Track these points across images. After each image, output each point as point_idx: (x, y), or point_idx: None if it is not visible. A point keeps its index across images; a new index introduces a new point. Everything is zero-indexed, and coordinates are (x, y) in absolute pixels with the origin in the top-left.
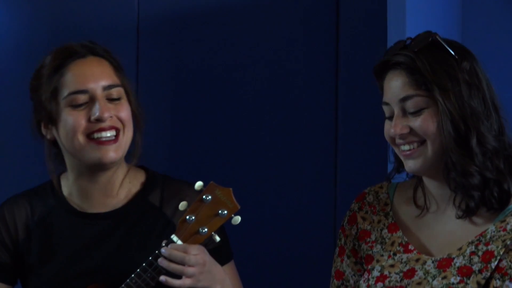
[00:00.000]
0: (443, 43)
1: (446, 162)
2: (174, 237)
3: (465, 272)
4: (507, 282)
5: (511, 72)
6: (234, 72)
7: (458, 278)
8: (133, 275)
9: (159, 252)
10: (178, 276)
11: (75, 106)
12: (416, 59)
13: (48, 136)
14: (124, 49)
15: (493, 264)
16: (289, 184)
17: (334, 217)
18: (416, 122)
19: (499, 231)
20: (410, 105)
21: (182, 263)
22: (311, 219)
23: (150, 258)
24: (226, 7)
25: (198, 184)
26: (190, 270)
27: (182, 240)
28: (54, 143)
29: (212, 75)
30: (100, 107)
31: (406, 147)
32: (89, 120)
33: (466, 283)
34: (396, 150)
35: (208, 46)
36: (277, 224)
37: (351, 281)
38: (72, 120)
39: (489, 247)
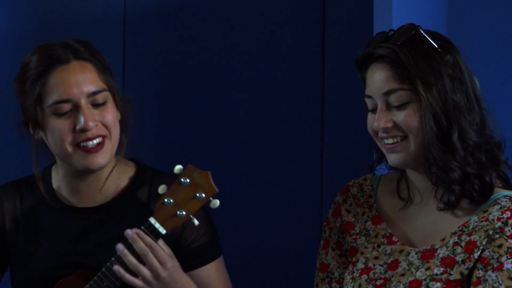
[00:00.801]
0: (427, 36)
1: (427, 157)
2: (152, 220)
3: (449, 263)
4: (489, 272)
5: (496, 65)
6: (220, 64)
7: (442, 269)
8: (113, 258)
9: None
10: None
11: (60, 114)
12: (400, 52)
13: (36, 137)
14: (111, 40)
15: (476, 255)
16: (276, 177)
17: (320, 209)
18: (400, 117)
19: (482, 221)
20: (393, 98)
21: (143, 255)
22: (297, 211)
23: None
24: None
25: (178, 167)
26: (145, 272)
27: (160, 223)
28: (43, 141)
29: (198, 66)
30: (84, 117)
31: (390, 141)
32: (74, 129)
33: (450, 274)
34: (379, 143)
35: (194, 37)
36: (263, 217)
37: (336, 274)
38: (58, 130)
39: (472, 237)
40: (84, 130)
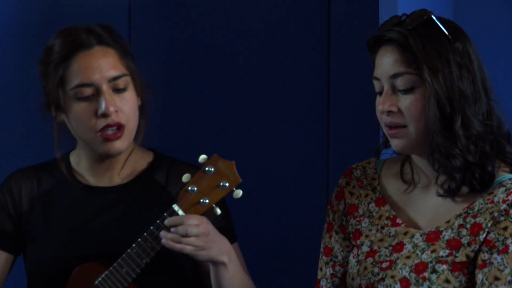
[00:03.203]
0: (438, 22)
1: (430, 143)
2: (175, 207)
3: (454, 245)
4: (495, 255)
5: (501, 53)
6: (226, 56)
7: (447, 251)
8: (134, 245)
9: (161, 223)
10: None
11: (81, 98)
12: (409, 37)
13: (58, 119)
14: (116, 28)
15: (482, 237)
16: (282, 162)
17: (326, 193)
18: (405, 102)
19: (487, 203)
20: (399, 82)
21: (184, 234)
22: (303, 195)
23: (151, 227)
24: None
25: (202, 157)
26: (189, 240)
27: (183, 210)
28: (64, 124)
29: (204, 58)
30: (105, 102)
31: (393, 125)
32: (95, 114)
33: (455, 256)
34: (383, 128)
35: (200, 29)
36: (268, 201)
37: (340, 257)
38: (80, 114)
39: (477, 219)
40: (105, 115)
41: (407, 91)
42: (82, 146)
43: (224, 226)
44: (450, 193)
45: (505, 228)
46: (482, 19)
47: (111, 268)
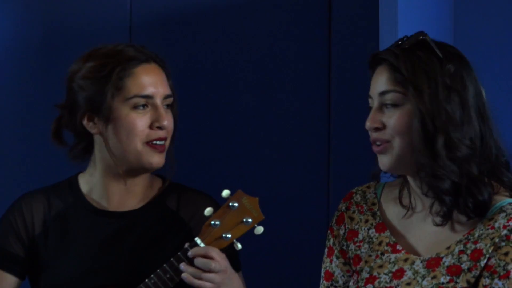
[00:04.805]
0: (431, 44)
1: (416, 162)
2: (197, 240)
3: (455, 271)
4: (496, 280)
5: (502, 71)
6: (226, 71)
7: (448, 278)
8: (152, 275)
9: (182, 255)
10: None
11: (137, 108)
12: (400, 57)
13: (94, 130)
14: None
15: (482, 263)
16: (282, 184)
17: (326, 216)
18: (390, 118)
19: (487, 229)
20: (387, 98)
21: (207, 269)
22: (303, 218)
23: (172, 259)
24: (218, 6)
25: (226, 192)
26: (210, 276)
27: (205, 243)
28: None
29: (205, 74)
30: (163, 116)
31: (378, 142)
32: (150, 126)
33: (456, 282)
34: (373, 146)
35: (200, 45)
36: (268, 223)
37: (340, 282)
38: (135, 124)
39: (478, 245)
40: (161, 128)
41: (393, 106)
42: (104, 166)
43: (232, 254)
44: (445, 218)
45: (506, 254)
46: (482, 40)
47: None
